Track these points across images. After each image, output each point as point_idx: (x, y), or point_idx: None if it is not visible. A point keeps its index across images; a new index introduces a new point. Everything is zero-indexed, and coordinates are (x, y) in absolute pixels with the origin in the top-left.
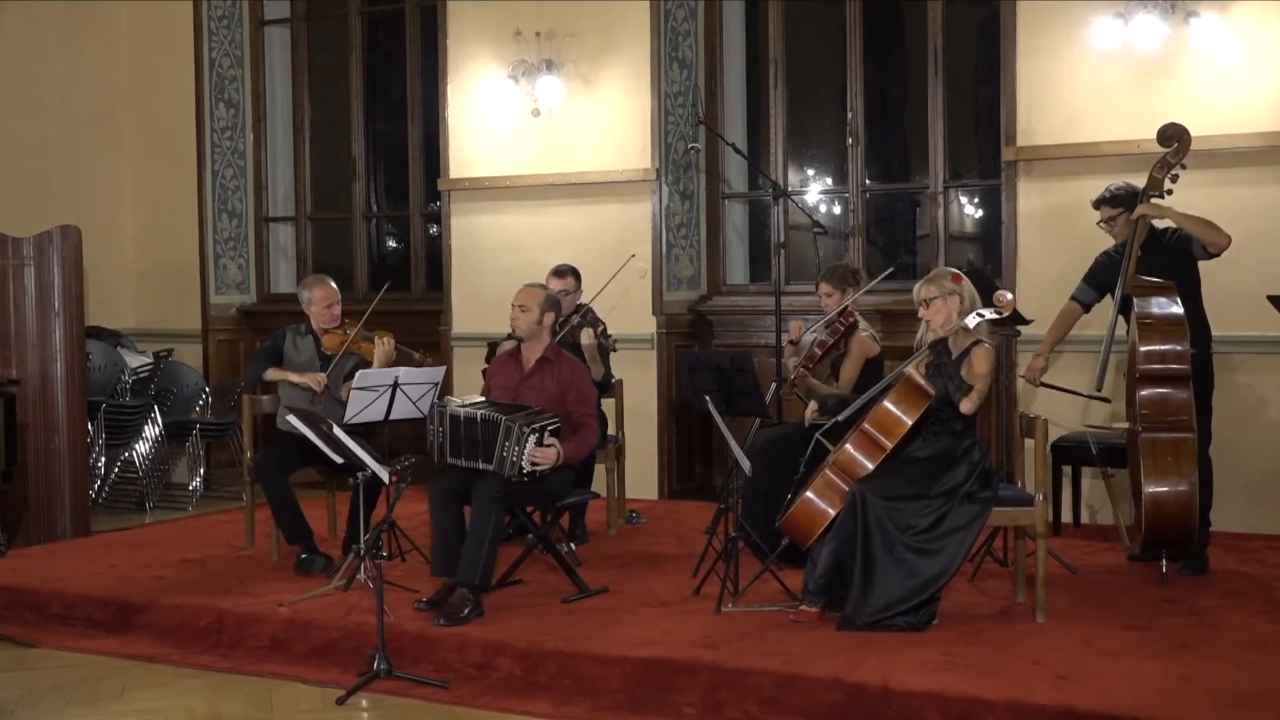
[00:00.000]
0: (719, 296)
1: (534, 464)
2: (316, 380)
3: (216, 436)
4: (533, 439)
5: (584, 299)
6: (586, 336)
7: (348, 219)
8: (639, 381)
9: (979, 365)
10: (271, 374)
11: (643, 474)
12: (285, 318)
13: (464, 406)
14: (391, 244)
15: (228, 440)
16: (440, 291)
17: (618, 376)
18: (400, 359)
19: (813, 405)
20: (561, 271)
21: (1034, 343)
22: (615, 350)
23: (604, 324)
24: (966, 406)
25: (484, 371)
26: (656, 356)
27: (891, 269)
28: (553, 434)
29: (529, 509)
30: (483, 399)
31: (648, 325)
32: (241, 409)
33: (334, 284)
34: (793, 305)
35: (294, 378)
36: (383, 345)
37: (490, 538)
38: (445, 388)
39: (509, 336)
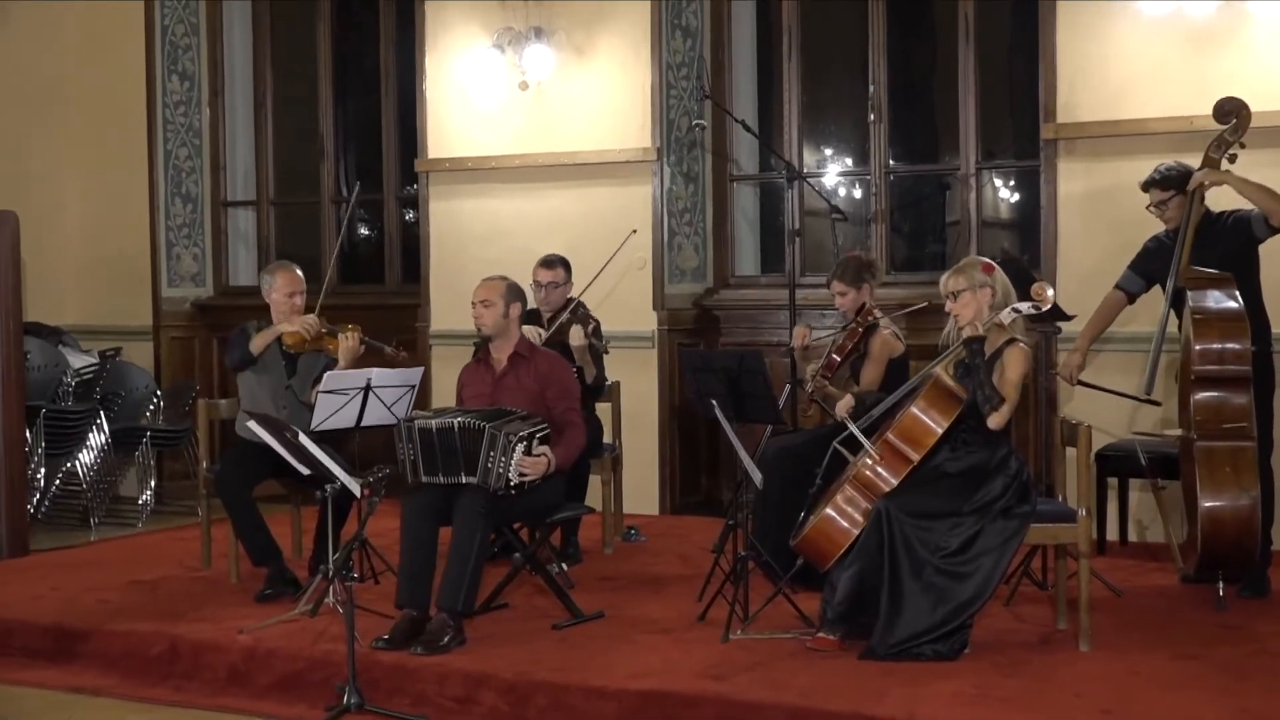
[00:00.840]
0: (727, 289)
1: (522, 474)
2: (307, 322)
3: (169, 445)
4: (520, 448)
5: (575, 292)
6: (576, 335)
7: (315, 204)
8: (638, 384)
9: (1013, 369)
10: (257, 342)
11: (642, 486)
12: (246, 313)
13: (436, 418)
14: (364, 231)
15: (182, 449)
16: (417, 284)
17: (614, 378)
18: (369, 356)
19: (847, 401)
20: (550, 262)
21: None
22: (607, 352)
23: (596, 321)
24: (995, 421)
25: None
26: (657, 356)
27: (924, 305)
28: (542, 441)
29: (516, 525)
30: (456, 409)
31: (648, 321)
32: (197, 414)
33: (299, 271)
34: (808, 299)
35: (281, 328)
36: (347, 340)
37: (475, 557)
38: (423, 392)
39: (479, 337)
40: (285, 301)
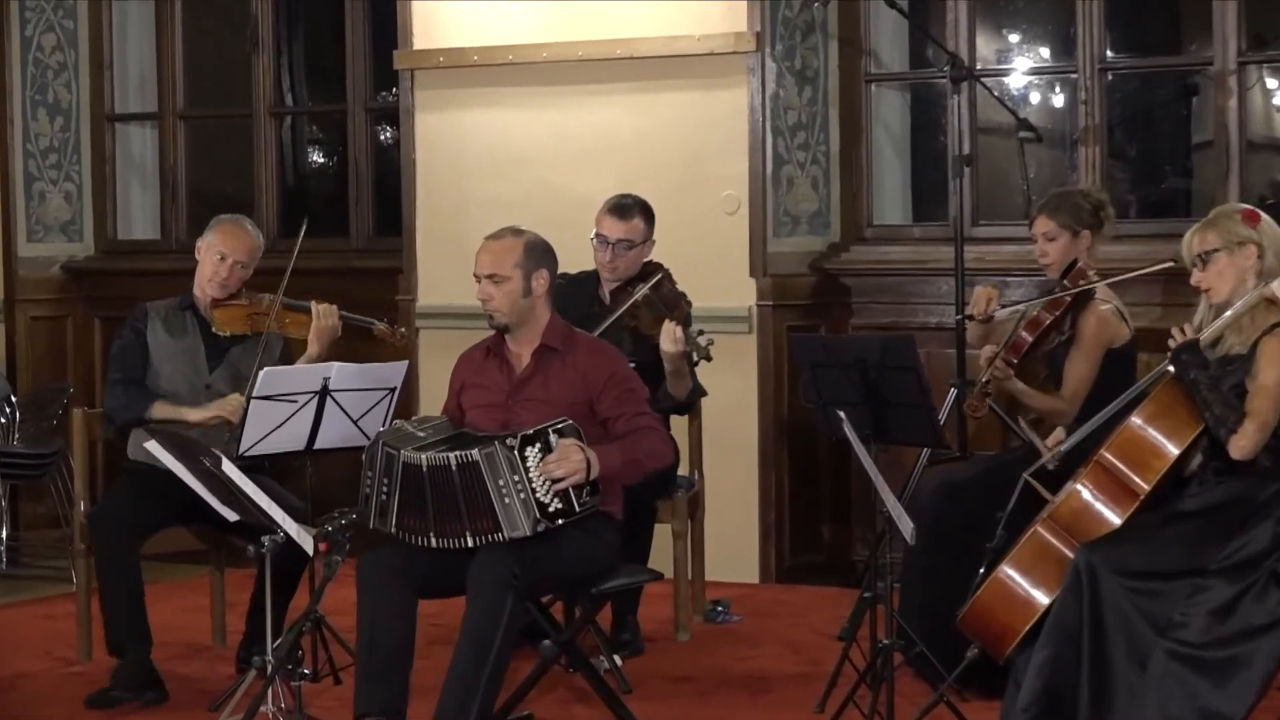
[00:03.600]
0: (861, 246)
1: (557, 483)
2: (231, 405)
3: (28, 476)
4: (535, 449)
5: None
6: (672, 339)
7: (245, 118)
8: (727, 388)
9: (1273, 367)
10: (160, 411)
11: (734, 541)
12: (146, 282)
13: (425, 448)
14: (317, 159)
15: (47, 481)
16: (397, 237)
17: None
18: (352, 337)
19: (1054, 435)
20: (624, 208)
21: None
22: (710, 359)
23: (689, 302)
24: (1238, 448)
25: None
26: (756, 346)
27: (1170, 263)
28: (562, 434)
29: (545, 598)
30: (442, 420)
31: (740, 294)
32: (70, 430)
33: (251, 229)
34: (983, 259)
35: (193, 415)
36: (321, 319)
37: (497, 650)
38: (405, 398)
39: (491, 324)
40: (210, 267)
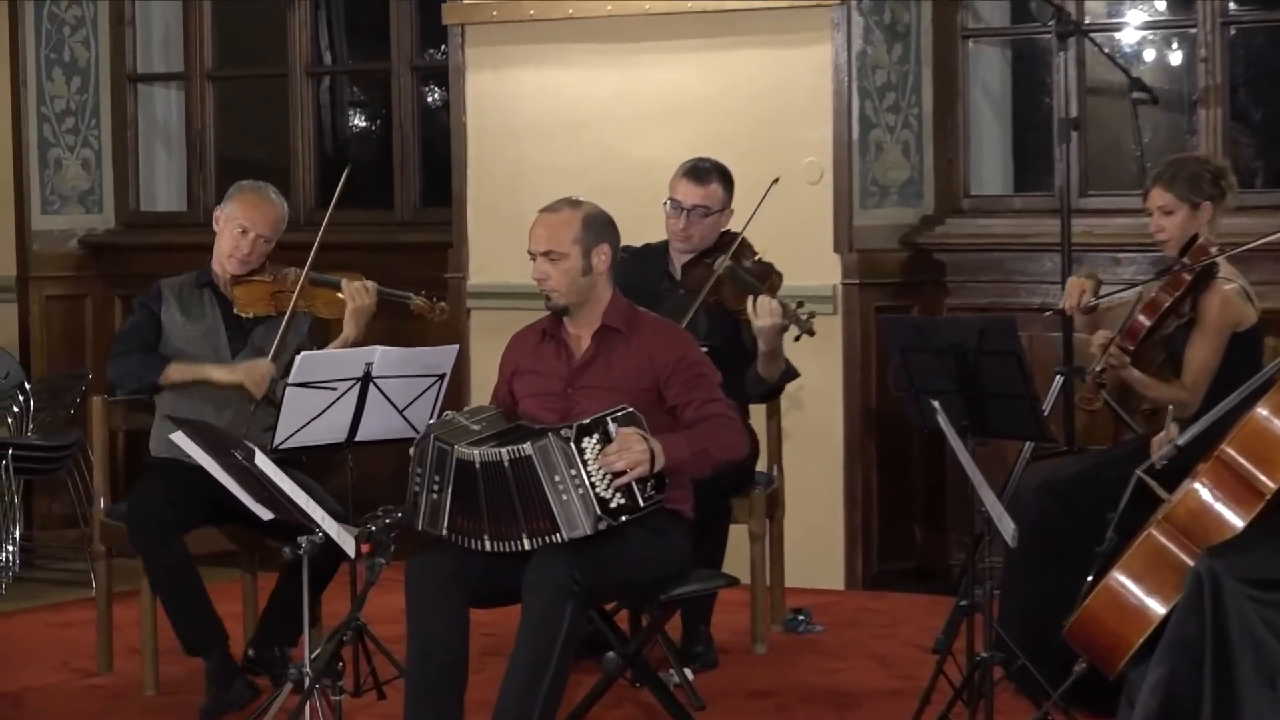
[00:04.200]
0: (958, 218)
1: (618, 477)
2: (258, 373)
3: (43, 470)
4: (593, 440)
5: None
6: (769, 313)
7: (279, 78)
8: (810, 374)
9: None
10: (174, 372)
11: (816, 543)
12: (170, 257)
13: (479, 442)
14: (358, 122)
15: (63, 476)
16: (446, 208)
17: None
18: (389, 314)
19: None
20: (701, 172)
21: None
22: (813, 334)
23: (779, 273)
24: None
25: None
26: (842, 328)
27: None
28: (618, 423)
29: (609, 606)
30: (495, 411)
31: (823, 271)
32: (89, 420)
33: (276, 198)
34: (1092, 233)
35: (217, 373)
36: (356, 297)
37: (556, 662)
38: (455, 386)
39: (549, 307)
40: (230, 242)
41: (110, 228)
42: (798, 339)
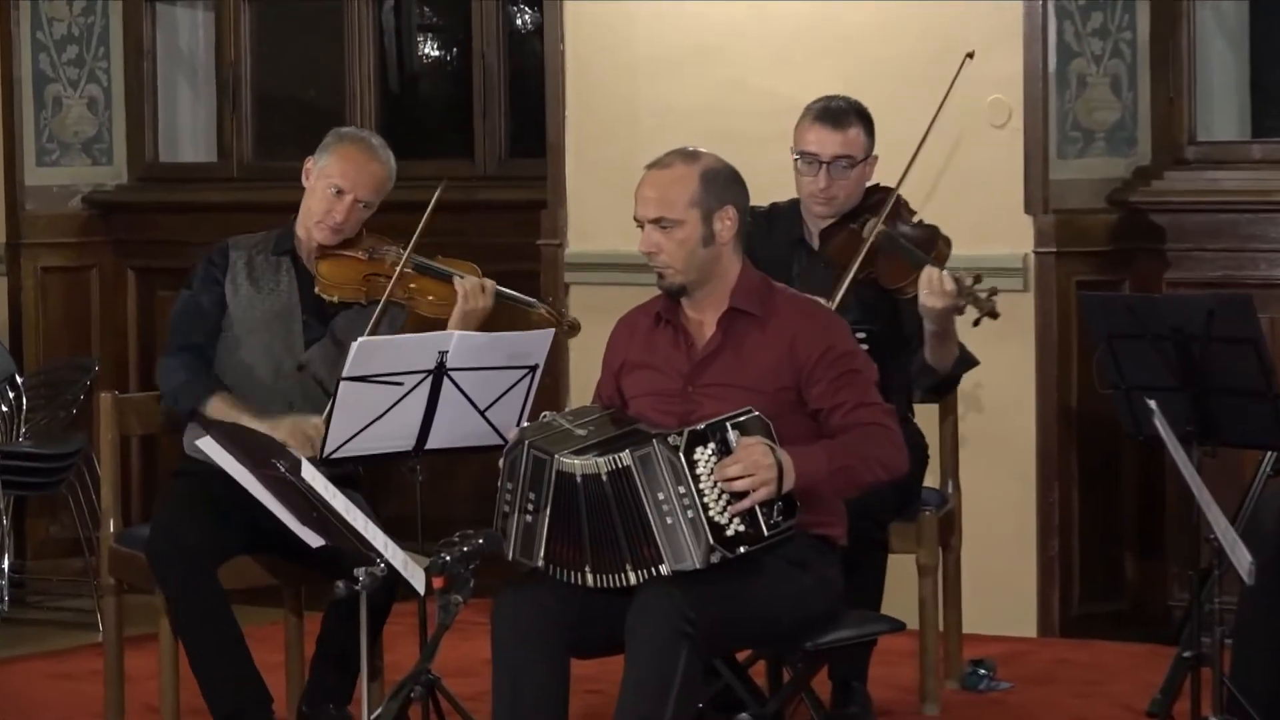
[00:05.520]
0: (1179, 171)
1: (735, 500)
2: (301, 433)
3: (40, 486)
4: (708, 450)
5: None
6: (939, 289)
7: (333, 2)
8: (996, 366)
9: None
10: (215, 409)
11: (1001, 579)
12: (196, 220)
13: (583, 451)
14: (429, 52)
15: (64, 493)
16: (540, 160)
17: None
18: (505, 318)
19: None
20: (838, 113)
21: None
22: (996, 315)
23: (947, 239)
24: None
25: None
26: (1035, 309)
27: None
28: (739, 430)
29: (741, 655)
30: (603, 413)
31: (1012, 238)
32: (96, 421)
33: (384, 153)
34: None
35: (255, 427)
36: (471, 297)
37: (670, 716)
38: (549, 381)
39: (662, 286)
40: (323, 203)
41: (122, 183)
42: (976, 323)
